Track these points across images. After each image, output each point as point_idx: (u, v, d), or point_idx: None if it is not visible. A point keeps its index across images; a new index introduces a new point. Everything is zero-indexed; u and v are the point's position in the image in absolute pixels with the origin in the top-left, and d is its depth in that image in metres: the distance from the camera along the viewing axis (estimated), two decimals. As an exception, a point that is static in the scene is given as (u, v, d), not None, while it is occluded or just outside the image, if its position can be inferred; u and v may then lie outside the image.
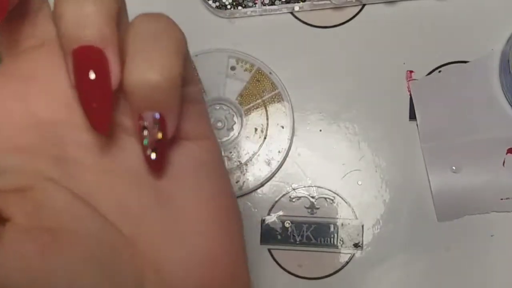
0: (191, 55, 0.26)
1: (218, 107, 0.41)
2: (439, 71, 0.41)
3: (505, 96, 0.39)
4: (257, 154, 0.41)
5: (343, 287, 0.39)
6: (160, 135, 0.24)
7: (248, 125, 0.41)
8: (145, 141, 0.24)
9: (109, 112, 0.23)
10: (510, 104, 0.39)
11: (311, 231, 0.40)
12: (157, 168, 0.25)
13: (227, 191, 0.28)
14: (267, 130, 0.41)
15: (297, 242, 0.40)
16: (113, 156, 0.25)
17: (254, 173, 0.40)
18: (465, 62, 0.41)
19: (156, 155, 0.24)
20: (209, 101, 0.41)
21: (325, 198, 0.40)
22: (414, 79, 0.41)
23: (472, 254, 0.39)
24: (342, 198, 0.40)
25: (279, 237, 0.40)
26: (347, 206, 0.40)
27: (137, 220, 0.25)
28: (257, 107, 0.41)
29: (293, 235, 0.40)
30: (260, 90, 0.41)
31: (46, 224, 0.24)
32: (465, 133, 0.40)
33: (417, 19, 0.41)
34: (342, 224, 0.40)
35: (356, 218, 0.40)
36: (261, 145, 0.41)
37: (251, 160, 0.41)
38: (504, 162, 0.39)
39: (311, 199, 0.40)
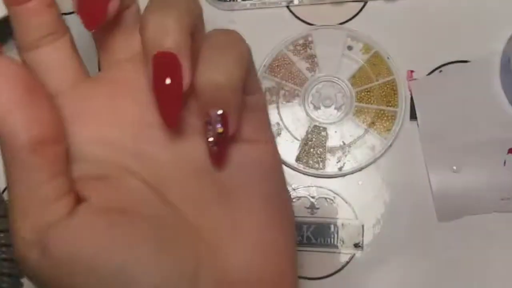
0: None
1: (329, 84, 0.41)
2: (440, 71, 0.41)
3: (506, 96, 0.39)
4: (362, 138, 0.40)
5: (343, 288, 0.39)
6: (221, 130, 0.27)
7: (356, 107, 0.41)
8: (209, 135, 0.28)
9: (178, 109, 0.27)
10: (511, 104, 0.39)
11: (311, 231, 0.40)
12: (219, 160, 0.29)
13: (283, 192, 0.31)
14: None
15: (297, 243, 0.39)
16: (183, 152, 0.29)
17: (356, 156, 0.40)
18: (466, 61, 0.40)
19: (218, 148, 0.28)
20: (320, 77, 0.41)
21: (325, 198, 0.40)
22: (415, 79, 0.41)
23: (472, 254, 0.39)
24: (342, 198, 0.40)
25: (279, 237, 0.40)
26: (347, 206, 0.40)
27: (201, 209, 0.29)
28: (368, 91, 0.41)
29: (293, 235, 0.39)
30: (375, 74, 0.41)
31: (116, 205, 0.27)
32: (465, 133, 0.39)
33: (418, 19, 0.41)
34: (342, 224, 0.39)
35: (356, 218, 0.40)
36: (366, 131, 0.40)
37: (355, 143, 0.40)
38: (505, 162, 0.39)
39: (311, 199, 0.40)
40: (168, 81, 0.26)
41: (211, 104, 0.27)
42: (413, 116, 0.40)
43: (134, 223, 0.27)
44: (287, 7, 0.42)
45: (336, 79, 0.41)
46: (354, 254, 0.39)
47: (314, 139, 0.40)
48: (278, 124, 0.41)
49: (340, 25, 0.42)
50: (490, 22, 0.41)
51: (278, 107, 0.41)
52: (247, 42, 0.28)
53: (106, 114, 0.29)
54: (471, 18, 0.41)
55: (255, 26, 0.42)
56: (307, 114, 0.41)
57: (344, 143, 0.40)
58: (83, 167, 0.28)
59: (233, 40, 0.28)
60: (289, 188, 0.40)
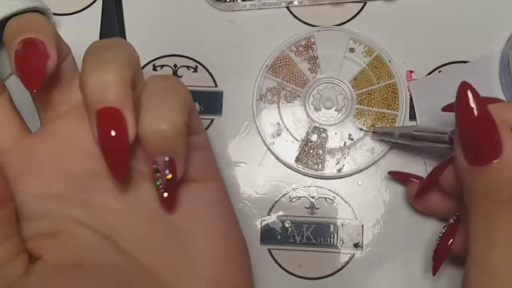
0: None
1: (330, 86, 0.41)
2: (439, 71, 0.41)
3: (505, 96, 0.39)
4: (362, 140, 0.40)
5: None
6: (170, 176, 0.28)
7: (357, 109, 0.41)
8: (158, 182, 0.28)
9: (126, 162, 0.27)
10: (510, 104, 0.39)
11: (311, 231, 0.40)
12: (170, 205, 0.29)
13: (235, 227, 0.32)
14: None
15: (297, 242, 0.40)
16: (132, 199, 0.30)
17: (355, 159, 0.40)
18: (465, 62, 0.40)
19: (168, 194, 0.29)
20: (321, 78, 0.41)
21: (325, 198, 0.40)
22: (414, 79, 0.41)
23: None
24: (342, 198, 0.40)
25: (279, 237, 0.40)
26: (347, 206, 0.40)
27: (154, 252, 0.29)
28: (368, 94, 0.41)
29: (293, 235, 0.40)
30: (376, 76, 0.41)
31: (71, 260, 0.28)
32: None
33: (417, 19, 0.41)
34: (342, 224, 0.40)
35: (356, 218, 0.40)
36: (366, 133, 0.40)
37: (355, 145, 0.40)
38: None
39: (311, 199, 0.40)
40: (113, 133, 0.26)
41: (157, 152, 0.27)
42: (412, 116, 0.40)
43: (91, 276, 0.27)
44: (287, 7, 0.42)
45: (337, 81, 0.41)
46: (354, 254, 0.39)
47: (314, 140, 0.41)
48: (278, 124, 0.41)
49: (343, 27, 0.42)
50: (489, 22, 0.41)
51: (278, 107, 0.41)
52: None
53: (50, 168, 0.29)
54: (470, 18, 0.41)
55: (254, 26, 0.42)
56: (308, 115, 0.41)
57: (344, 145, 0.40)
58: (33, 224, 0.28)
59: (172, 86, 0.29)
60: (289, 188, 0.40)
